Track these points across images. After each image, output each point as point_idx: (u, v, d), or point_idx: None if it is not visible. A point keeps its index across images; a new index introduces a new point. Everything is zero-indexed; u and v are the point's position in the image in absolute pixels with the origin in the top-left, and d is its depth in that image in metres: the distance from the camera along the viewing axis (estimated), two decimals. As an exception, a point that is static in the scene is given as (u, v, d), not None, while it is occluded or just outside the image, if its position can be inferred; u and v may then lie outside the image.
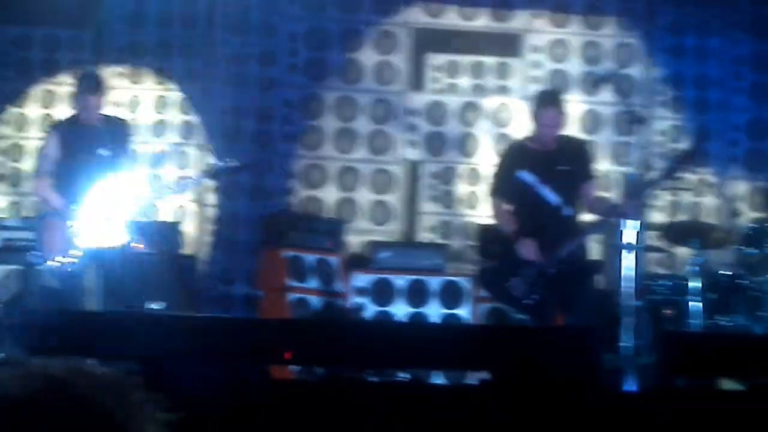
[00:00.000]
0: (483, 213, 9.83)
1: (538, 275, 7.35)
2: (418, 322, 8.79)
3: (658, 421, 6.01)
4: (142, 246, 7.87)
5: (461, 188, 10.28)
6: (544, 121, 7.49)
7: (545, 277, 7.35)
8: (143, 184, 8.24)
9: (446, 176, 10.28)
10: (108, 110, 7.69)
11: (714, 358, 6.92)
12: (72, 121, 7.43)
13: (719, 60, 10.62)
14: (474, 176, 10.27)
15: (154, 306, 7.68)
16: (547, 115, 7.47)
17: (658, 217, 9.99)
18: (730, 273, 8.75)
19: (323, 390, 6.44)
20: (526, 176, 7.56)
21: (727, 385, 7.35)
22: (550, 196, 7.53)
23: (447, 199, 10.25)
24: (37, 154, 8.26)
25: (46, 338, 5.79)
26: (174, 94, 10.09)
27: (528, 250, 7.38)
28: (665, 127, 10.44)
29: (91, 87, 7.28)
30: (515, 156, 7.76)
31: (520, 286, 7.36)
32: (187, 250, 9.67)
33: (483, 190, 10.06)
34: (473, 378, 7.52)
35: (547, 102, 7.58)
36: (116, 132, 7.28)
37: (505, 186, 7.70)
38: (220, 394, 5.60)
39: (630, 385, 6.65)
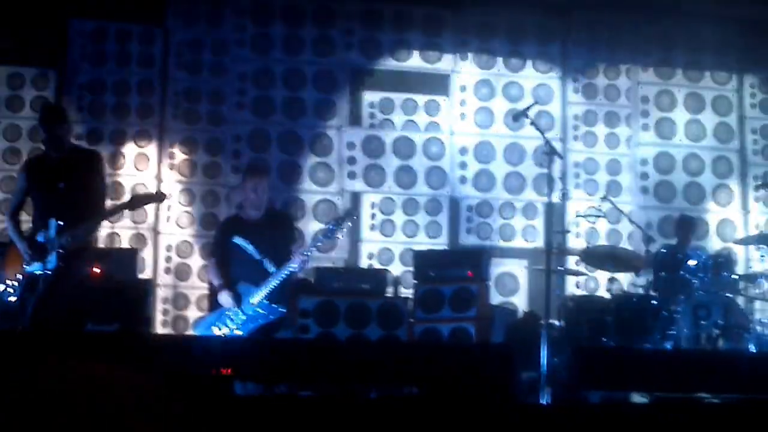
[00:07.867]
0: (420, 240, 10.57)
1: None
2: (355, 341, 8.99)
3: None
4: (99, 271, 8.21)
5: (398, 217, 10.86)
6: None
7: None
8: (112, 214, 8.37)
9: (384, 206, 10.83)
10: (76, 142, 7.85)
11: (624, 372, 7.12)
12: (41, 156, 7.40)
13: (628, 99, 11.41)
14: (411, 206, 10.90)
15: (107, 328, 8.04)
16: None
17: (577, 242, 10.71)
18: (643, 294, 9.28)
19: (262, 405, 6.70)
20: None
21: (637, 398, 7.83)
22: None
23: (386, 228, 10.83)
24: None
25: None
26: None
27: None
28: (580, 159, 11.17)
29: (52, 118, 7.23)
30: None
31: None
32: (144, 275, 10.18)
33: (420, 218, 10.76)
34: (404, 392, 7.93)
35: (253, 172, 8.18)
36: (81, 163, 7.25)
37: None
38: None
39: (544, 399, 7.19)
